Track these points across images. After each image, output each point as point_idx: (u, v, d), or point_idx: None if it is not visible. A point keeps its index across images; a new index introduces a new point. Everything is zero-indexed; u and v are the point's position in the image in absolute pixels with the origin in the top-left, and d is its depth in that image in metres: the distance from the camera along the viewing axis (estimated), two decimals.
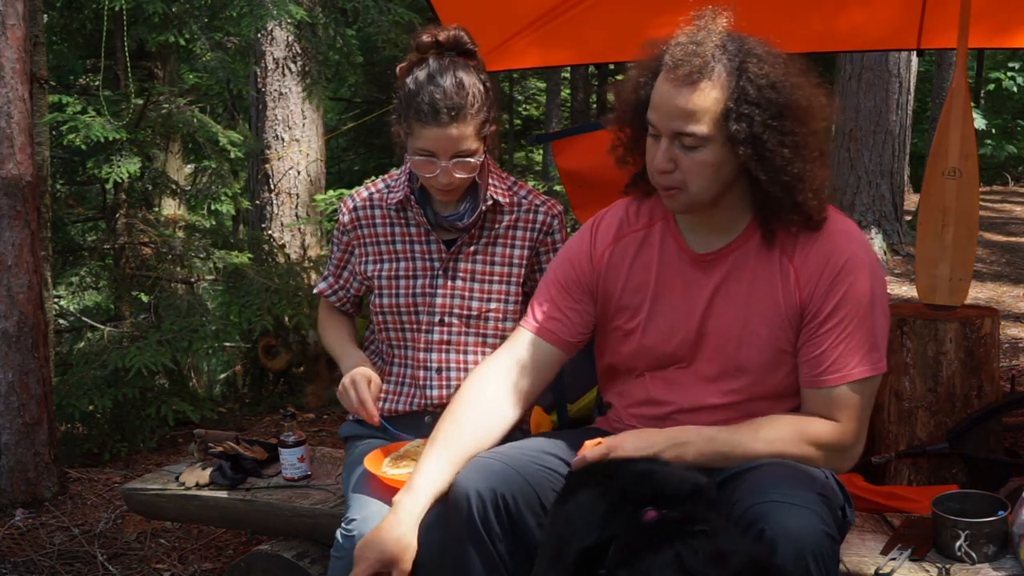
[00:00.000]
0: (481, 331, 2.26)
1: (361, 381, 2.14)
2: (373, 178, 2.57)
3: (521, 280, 2.27)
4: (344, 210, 2.32)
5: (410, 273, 2.26)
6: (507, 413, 1.88)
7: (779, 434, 1.75)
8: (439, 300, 2.24)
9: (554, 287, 1.95)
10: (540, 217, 2.25)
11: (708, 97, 1.66)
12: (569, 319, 1.92)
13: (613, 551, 1.44)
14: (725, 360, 1.81)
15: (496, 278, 2.25)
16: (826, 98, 1.76)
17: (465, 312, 2.24)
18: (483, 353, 2.27)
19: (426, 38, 2.09)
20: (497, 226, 2.25)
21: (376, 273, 2.28)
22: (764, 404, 1.82)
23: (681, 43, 1.70)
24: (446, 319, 2.24)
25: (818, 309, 1.75)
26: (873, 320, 1.75)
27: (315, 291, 2.42)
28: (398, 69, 2.16)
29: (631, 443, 1.73)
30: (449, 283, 2.24)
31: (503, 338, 2.27)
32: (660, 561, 1.36)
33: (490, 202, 2.20)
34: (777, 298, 1.78)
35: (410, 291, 2.25)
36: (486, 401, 1.87)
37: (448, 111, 2.02)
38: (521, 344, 1.93)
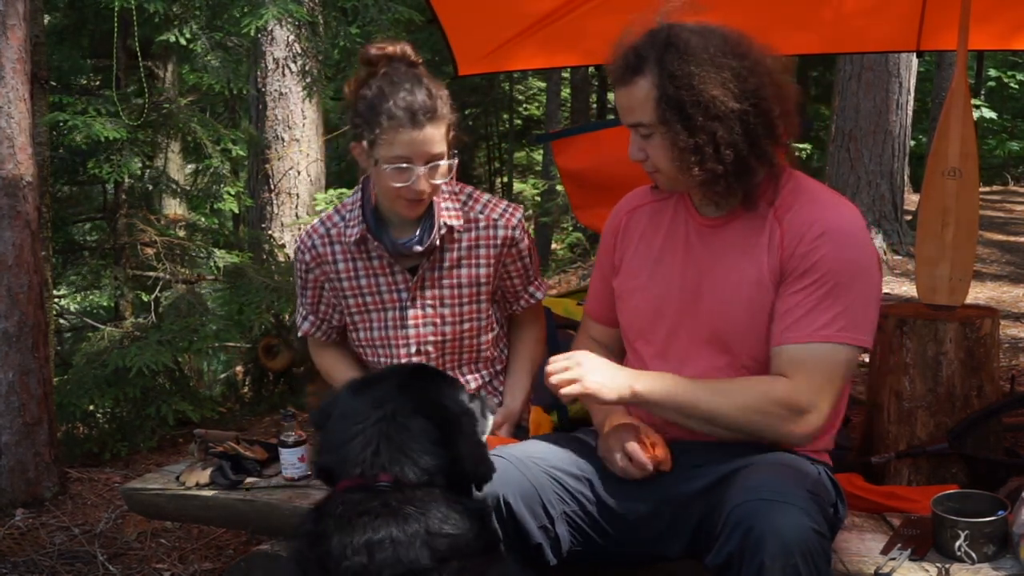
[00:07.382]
0: (458, 351, 2.27)
1: None
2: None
3: (490, 293, 2.27)
4: (303, 248, 2.28)
5: (379, 306, 2.25)
6: None
7: (735, 384, 1.79)
8: (412, 331, 2.23)
9: (597, 269, 2.11)
10: (500, 232, 2.23)
11: (641, 88, 1.76)
12: (610, 298, 2.05)
13: None
14: (714, 319, 1.84)
15: (465, 299, 2.24)
16: (776, 61, 1.79)
17: (440, 337, 2.24)
18: (464, 374, 2.27)
19: (375, 51, 2.08)
20: (457, 247, 2.21)
21: (346, 309, 2.27)
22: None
23: (614, 48, 1.81)
24: (422, 348, 2.24)
25: (794, 268, 1.77)
26: (853, 293, 1.74)
27: (300, 333, 2.40)
28: (346, 85, 2.13)
29: (597, 376, 1.74)
30: (419, 312, 2.22)
31: (481, 353, 2.29)
32: None
33: (444, 230, 2.17)
34: (763, 258, 1.81)
35: (382, 324, 2.25)
36: None
37: (424, 112, 2.00)
38: (586, 326, 2.17)
